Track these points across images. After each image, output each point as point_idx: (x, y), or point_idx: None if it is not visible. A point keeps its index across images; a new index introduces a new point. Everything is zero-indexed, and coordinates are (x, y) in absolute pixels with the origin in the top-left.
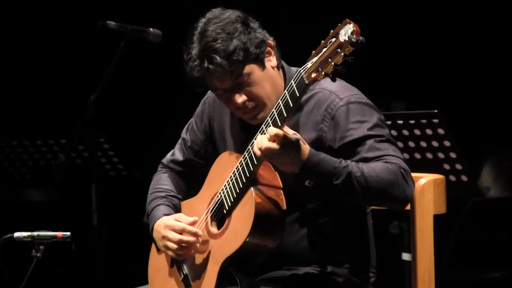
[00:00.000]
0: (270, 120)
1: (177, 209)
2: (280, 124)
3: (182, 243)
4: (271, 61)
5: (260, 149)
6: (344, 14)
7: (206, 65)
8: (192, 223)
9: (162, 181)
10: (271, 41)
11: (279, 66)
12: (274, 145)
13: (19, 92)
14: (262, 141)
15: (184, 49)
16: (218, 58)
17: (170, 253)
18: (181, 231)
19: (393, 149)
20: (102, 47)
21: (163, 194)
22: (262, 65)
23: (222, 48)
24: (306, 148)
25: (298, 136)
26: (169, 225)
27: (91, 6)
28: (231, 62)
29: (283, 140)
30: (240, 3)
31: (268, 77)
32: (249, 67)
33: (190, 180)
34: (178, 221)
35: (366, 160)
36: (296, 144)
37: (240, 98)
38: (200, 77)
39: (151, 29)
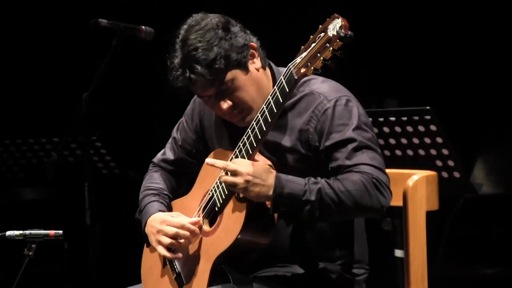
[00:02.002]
0: (261, 116)
1: (169, 208)
2: (270, 120)
3: (178, 237)
4: (255, 63)
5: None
6: (337, 10)
7: (187, 75)
8: (194, 223)
9: (154, 180)
10: (254, 42)
11: (264, 66)
12: (232, 179)
13: (11, 91)
14: (221, 177)
15: (167, 57)
16: (199, 67)
17: (160, 248)
18: (179, 228)
19: (371, 157)
20: (94, 45)
21: (156, 192)
22: (245, 69)
23: (203, 58)
24: (271, 177)
25: (266, 164)
26: (166, 221)
27: (83, 4)
28: (212, 71)
29: (241, 174)
30: (227, 2)
31: (252, 80)
32: (231, 73)
33: (181, 179)
34: (176, 217)
35: (342, 167)
36: (258, 175)
37: (225, 104)
38: (184, 87)
39: (143, 27)
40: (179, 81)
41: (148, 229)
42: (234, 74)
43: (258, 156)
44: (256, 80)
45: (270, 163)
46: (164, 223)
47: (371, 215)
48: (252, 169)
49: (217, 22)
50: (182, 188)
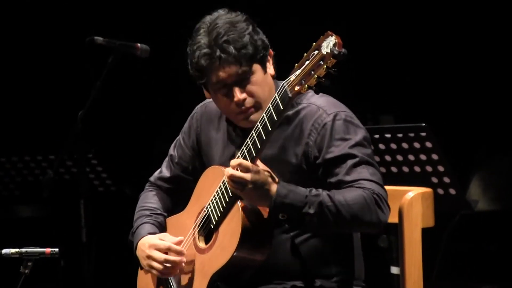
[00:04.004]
0: (255, 134)
1: (162, 227)
2: (265, 138)
3: (167, 262)
4: (270, 68)
5: (229, 177)
6: (331, 27)
7: (218, 53)
8: (178, 243)
9: (148, 199)
10: (271, 50)
11: (274, 77)
12: (242, 174)
13: (7, 108)
14: (229, 171)
15: (190, 41)
16: (231, 47)
17: (154, 272)
18: (166, 250)
19: (371, 173)
20: (90, 62)
21: (148, 212)
22: (265, 69)
23: (236, 39)
24: (274, 183)
25: (268, 171)
26: (153, 244)
27: (80, 21)
28: (241, 55)
29: (252, 172)
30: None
31: (267, 82)
32: (255, 66)
33: (177, 196)
34: (162, 240)
35: (342, 182)
36: (263, 178)
37: (242, 94)
38: (207, 66)
39: (139, 45)
40: (204, 60)
41: (138, 253)
42: (256, 68)
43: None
44: (269, 84)
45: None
46: (152, 247)
47: (369, 229)
48: (259, 174)
49: (244, 18)
50: (179, 206)
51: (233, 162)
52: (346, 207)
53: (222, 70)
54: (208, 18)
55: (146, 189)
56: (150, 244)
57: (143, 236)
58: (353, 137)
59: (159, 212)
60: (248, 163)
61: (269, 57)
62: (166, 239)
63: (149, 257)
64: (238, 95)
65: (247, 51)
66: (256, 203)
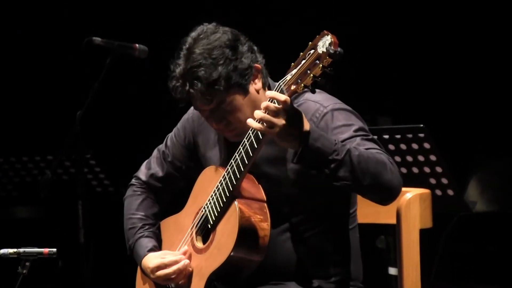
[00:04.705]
0: (252, 134)
1: (156, 236)
2: (261, 137)
3: (174, 274)
4: (256, 84)
5: (265, 108)
6: (328, 27)
7: (187, 88)
8: (183, 254)
9: (137, 206)
10: (259, 63)
11: (265, 86)
12: (279, 107)
13: (5, 108)
14: (264, 103)
15: (171, 62)
16: (199, 85)
17: (174, 286)
18: (172, 265)
19: (380, 147)
20: (88, 63)
21: (140, 224)
22: (245, 92)
23: (205, 76)
24: (307, 123)
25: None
26: (158, 267)
27: (78, 22)
28: (211, 91)
29: (289, 107)
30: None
31: (250, 102)
32: (230, 96)
33: (165, 196)
34: (163, 258)
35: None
36: (300, 115)
37: (219, 124)
38: (180, 98)
39: (137, 45)
40: (178, 92)
41: (148, 276)
42: (233, 96)
43: (248, 177)
44: (254, 102)
45: None
46: (155, 270)
47: (388, 190)
48: (296, 109)
49: (225, 40)
50: (164, 204)
51: (269, 93)
52: (373, 159)
53: (194, 102)
54: (189, 39)
55: (134, 191)
56: (151, 269)
57: (144, 256)
58: (355, 123)
59: (150, 221)
60: (285, 96)
61: (255, 73)
62: (166, 257)
63: (158, 278)
64: (214, 125)
65: (218, 87)
66: (286, 142)
